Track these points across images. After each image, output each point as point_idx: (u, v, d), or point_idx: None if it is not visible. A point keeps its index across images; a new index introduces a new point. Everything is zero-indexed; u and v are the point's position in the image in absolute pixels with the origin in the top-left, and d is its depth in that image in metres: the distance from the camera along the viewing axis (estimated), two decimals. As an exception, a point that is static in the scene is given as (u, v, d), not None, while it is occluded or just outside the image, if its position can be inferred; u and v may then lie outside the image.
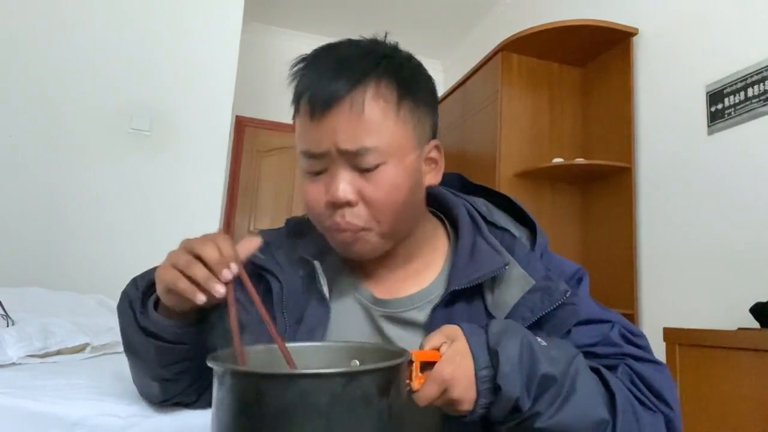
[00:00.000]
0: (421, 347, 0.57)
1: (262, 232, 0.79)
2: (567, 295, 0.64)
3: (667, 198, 2.27)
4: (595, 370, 0.61)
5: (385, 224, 0.65)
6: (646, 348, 0.67)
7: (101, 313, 1.60)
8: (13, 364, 0.94)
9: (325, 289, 0.70)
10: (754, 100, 1.94)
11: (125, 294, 0.67)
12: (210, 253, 0.55)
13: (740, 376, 1.41)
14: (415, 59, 0.71)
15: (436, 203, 0.78)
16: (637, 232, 2.39)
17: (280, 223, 0.82)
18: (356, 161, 0.63)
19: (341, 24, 4.16)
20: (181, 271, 0.56)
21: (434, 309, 0.67)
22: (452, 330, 0.57)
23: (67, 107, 2.55)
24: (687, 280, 2.13)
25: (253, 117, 4.16)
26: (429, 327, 0.66)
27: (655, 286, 2.29)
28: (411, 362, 0.53)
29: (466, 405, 0.54)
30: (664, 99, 2.35)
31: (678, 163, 2.24)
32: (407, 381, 0.53)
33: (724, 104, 2.04)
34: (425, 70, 0.72)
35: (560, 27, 2.58)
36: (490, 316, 0.66)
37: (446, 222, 0.78)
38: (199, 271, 0.55)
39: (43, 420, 0.69)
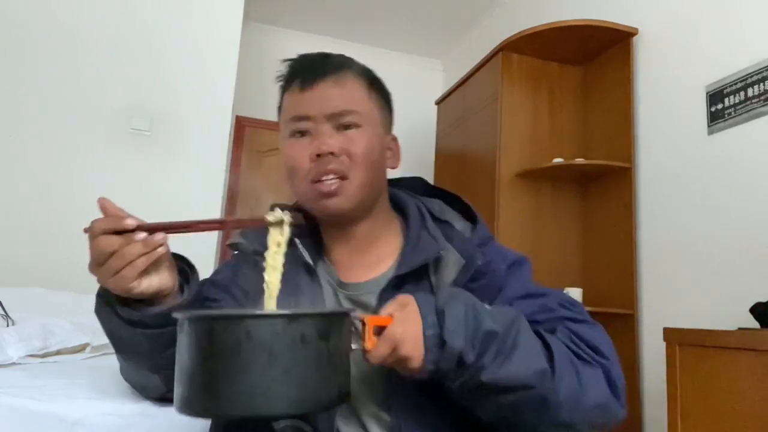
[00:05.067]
0: (377, 314, 0.63)
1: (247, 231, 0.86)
2: (480, 262, 0.74)
3: (667, 198, 2.27)
4: (534, 332, 0.67)
5: (361, 176, 0.76)
6: (582, 313, 0.74)
7: (101, 313, 1.59)
8: (13, 363, 0.94)
9: (309, 259, 0.78)
10: (754, 100, 1.94)
11: (99, 296, 0.69)
12: (106, 221, 0.66)
13: (740, 376, 1.41)
14: None
15: (394, 203, 0.88)
16: (637, 232, 2.38)
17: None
18: (339, 121, 0.76)
19: (341, 24, 4.16)
20: (99, 261, 0.62)
21: (382, 292, 0.75)
22: (405, 298, 0.64)
23: (67, 107, 2.56)
24: (687, 280, 2.13)
25: (253, 117, 4.16)
26: (378, 309, 0.72)
27: (655, 286, 2.29)
28: (364, 325, 0.60)
29: (416, 362, 0.60)
30: (664, 99, 2.35)
31: (678, 163, 2.24)
32: (362, 342, 0.60)
33: (724, 104, 2.04)
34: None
35: (560, 27, 2.58)
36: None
37: (402, 220, 0.87)
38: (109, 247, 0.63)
39: (43, 420, 0.69)
